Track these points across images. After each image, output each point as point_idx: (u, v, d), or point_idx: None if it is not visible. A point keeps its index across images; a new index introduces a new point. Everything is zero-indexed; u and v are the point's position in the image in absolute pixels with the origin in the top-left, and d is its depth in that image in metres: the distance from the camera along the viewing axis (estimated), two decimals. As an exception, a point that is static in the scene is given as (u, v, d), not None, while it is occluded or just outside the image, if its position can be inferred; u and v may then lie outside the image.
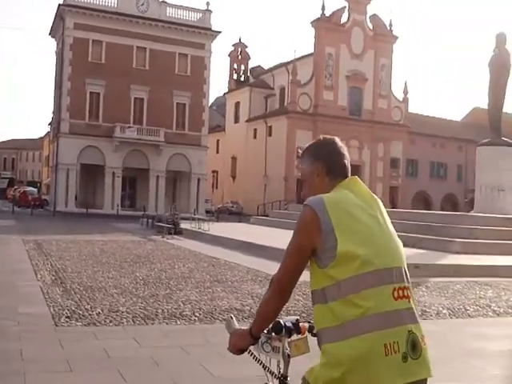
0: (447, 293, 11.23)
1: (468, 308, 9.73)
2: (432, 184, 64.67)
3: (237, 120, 66.42)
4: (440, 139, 64.77)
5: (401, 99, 63.43)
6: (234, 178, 64.81)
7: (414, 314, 2.04)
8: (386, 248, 2.07)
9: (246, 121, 63.45)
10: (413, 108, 70.45)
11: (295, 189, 54.92)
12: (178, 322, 7.41)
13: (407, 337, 1.95)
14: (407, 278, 2.09)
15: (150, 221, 29.37)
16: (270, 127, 59.03)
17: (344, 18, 59.23)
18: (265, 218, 30.90)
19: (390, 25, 62.52)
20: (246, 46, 72.63)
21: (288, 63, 61.72)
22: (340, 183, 2.18)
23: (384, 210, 2.21)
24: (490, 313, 9.48)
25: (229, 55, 72.10)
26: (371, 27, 60.78)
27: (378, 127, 59.00)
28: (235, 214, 50.08)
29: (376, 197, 2.22)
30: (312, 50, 58.67)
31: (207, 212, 45.16)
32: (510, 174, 25.16)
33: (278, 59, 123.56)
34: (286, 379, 2.32)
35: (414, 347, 1.96)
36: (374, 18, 60.98)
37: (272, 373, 2.35)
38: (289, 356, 2.31)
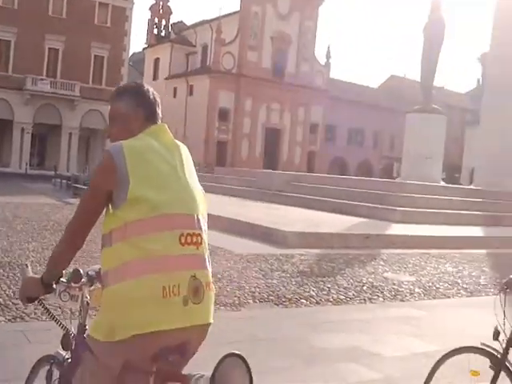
0: (407, 267, 10.51)
1: (438, 286, 9.01)
2: (349, 150, 65.16)
3: (156, 77, 63.55)
4: (358, 105, 65.10)
5: (323, 64, 62.99)
6: (151, 138, 62.29)
7: (201, 260, 2.04)
8: (180, 195, 2.06)
9: (166, 78, 60.86)
10: (333, 73, 70.15)
11: (215, 152, 53.47)
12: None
13: (189, 281, 1.95)
14: (200, 226, 2.08)
15: (64, 182, 27.09)
16: (191, 86, 56.88)
17: (270, -24, 57.47)
18: (190, 181, 29.37)
19: (316, -14, 61.47)
20: (168, 0, 69.36)
21: (212, 20, 59.40)
22: (146, 130, 2.19)
23: (187, 159, 2.21)
24: (462, 291, 8.81)
25: (150, 9, 68.54)
26: (297, -13, 59.45)
27: (300, 91, 58.30)
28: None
29: (180, 145, 2.22)
30: (238, 8, 56.67)
31: (124, 173, 42.86)
32: (439, 141, 25.13)
33: (201, 16, 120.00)
34: (85, 327, 2.26)
35: (196, 292, 1.96)
36: (301, -23, 59.62)
37: (60, 323, 2.33)
38: (88, 304, 2.28)
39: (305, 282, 8.30)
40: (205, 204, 2.21)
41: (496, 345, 3.18)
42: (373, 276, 9.26)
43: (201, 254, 2.06)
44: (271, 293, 7.50)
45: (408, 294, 8.24)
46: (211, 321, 2.07)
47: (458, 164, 49.00)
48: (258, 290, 7.60)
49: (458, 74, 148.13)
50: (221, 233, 12.81)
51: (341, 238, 12.40)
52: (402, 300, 7.89)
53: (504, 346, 3.16)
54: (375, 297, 7.93)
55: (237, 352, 1.90)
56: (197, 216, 2.09)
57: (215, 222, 13.85)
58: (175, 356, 1.95)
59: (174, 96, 58.88)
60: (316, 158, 60.93)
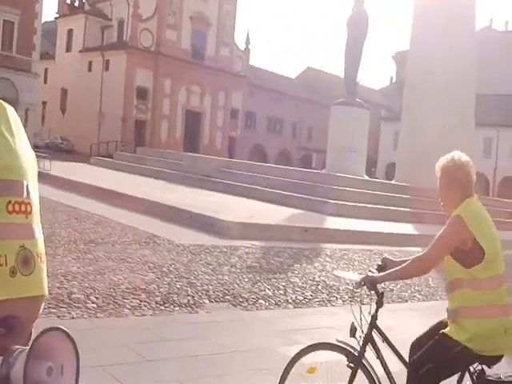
0: (354, 265, 10.16)
1: (391, 287, 8.64)
2: (268, 138, 65.05)
3: (69, 49, 60.26)
4: (277, 95, 65.07)
5: (242, 49, 62.40)
6: (63, 111, 59.08)
7: (31, 229, 1.86)
8: (7, 160, 1.84)
9: (80, 51, 57.84)
10: (252, 60, 69.70)
11: (133, 130, 51.53)
12: (73, 314, 5.12)
13: (18, 252, 1.79)
14: (29, 194, 1.87)
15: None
16: (108, 61, 54.31)
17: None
18: (109, 160, 27.88)
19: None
20: (83, -31, 65.74)
21: (129, -6, 57.00)
22: None
23: (15, 122, 2.00)
24: (417, 294, 8.59)
25: (63, -24, 64.72)
26: (216, -35, 58.16)
27: (220, 75, 57.39)
28: (65, 152, 45.78)
29: (7, 106, 1.98)
30: (154, -16, 54.68)
31: (36, 147, 40.42)
32: (363, 135, 25.22)
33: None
34: None
35: (26, 263, 1.81)
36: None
37: None
38: None
39: (257, 279, 7.68)
40: (35, 171, 2.04)
41: (353, 342, 3.02)
42: (324, 274, 8.78)
43: (30, 224, 1.89)
44: (226, 291, 6.83)
45: (365, 296, 7.81)
46: (44, 293, 1.90)
47: (374, 158, 50.14)
48: (210, 287, 6.89)
49: (371, 71, 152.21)
50: (154, 219, 11.97)
51: (282, 230, 11.87)
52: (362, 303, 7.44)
53: (361, 343, 3.01)
54: (333, 298, 7.46)
55: (58, 326, 1.69)
56: (26, 183, 1.91)
57: (147, 206, 12.97)
58: (0, 329, 1.79)
59: (90, 70, 56.12)
60: (236, 143, 60.31)
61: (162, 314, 5.61)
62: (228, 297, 6.63)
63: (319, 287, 7.84)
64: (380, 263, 3.26)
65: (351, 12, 25.68)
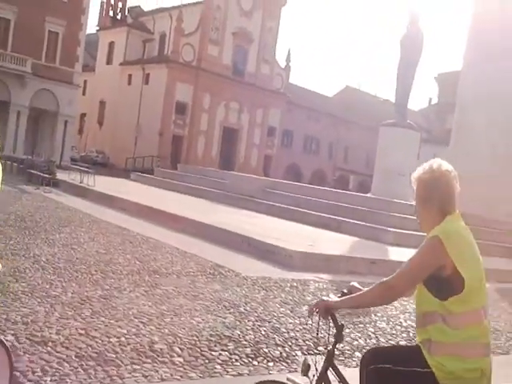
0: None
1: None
2: (304, 157, 64.14)
3: (109, 61, 60.57)
4: (315, 113, 64.31)
5: (283, 67, 61.94)
6: (100, 124, 59.21)
7: None
8: None
9: (121, 64, 58.03)
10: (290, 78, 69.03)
11: (170, 145, 51.20)
12: (161, 373, 4.29)
13: None
14: None
15: (14, 165, 24.45)
16: (148, 75, 54.33)
17: (234, -30, 55.76)
18: (150, 177, 27.28)
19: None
20: (126, -18, 66.22)
21: (172, 9, 57.13)
22: None
23: None
24: (518, 345, 7.47)
25: (106, -11, 65.27)
26: (261, -16, 58.03)
27: (259, 92, 56.97)
28: (100, 165, 45.48)
29: None
30: (199, -1, 54.77)
31: (72, 160, 40.28)
32: (412, 158, 24.14)
33: (159, 3, 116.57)
34: None
35: None
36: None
37: None
38: None
39: (343, 324, 6.77)
40: None
41: (306, 381, 2.57)
42: (408, 316, 7.88)
43: None
44: (316, 341, 5.95)
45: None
46: None
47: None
48: (298, 334, 6.06)
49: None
50: (208, 243, 11.24)
51: (347, 262, 10.97)
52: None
53: (314, 383, 2.55)
54: (431, 349, 6.51)
55: None
56: None
57: (198, 229, 12.22)
58: None
59: (129, 83, 56.21)
60: (272, 162, 59.60)
61: (258, 372, 4.77)
62: (321, 348, 5.76)
63: (411, 334, 6.93)
64: (344, 290, 2.80)
65: (405, 30, 24.76)
